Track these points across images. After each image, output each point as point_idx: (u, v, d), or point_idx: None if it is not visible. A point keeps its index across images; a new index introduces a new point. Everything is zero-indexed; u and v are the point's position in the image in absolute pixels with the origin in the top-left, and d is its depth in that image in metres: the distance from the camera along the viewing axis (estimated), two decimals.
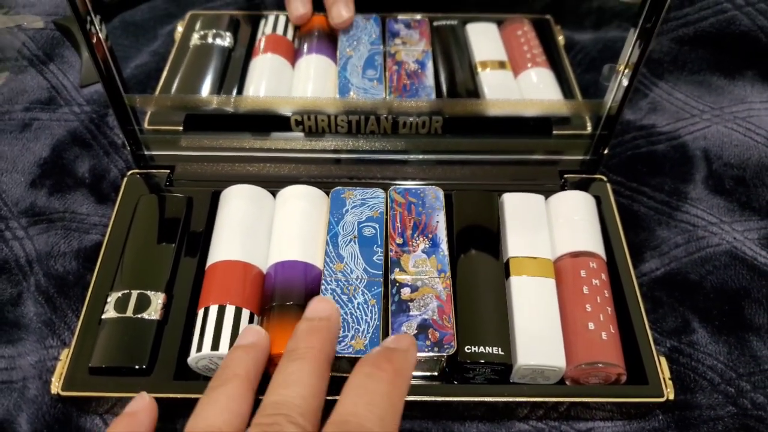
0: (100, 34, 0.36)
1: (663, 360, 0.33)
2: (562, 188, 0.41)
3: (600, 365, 0.32)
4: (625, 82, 0.37)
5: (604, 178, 0.42)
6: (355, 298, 0.33)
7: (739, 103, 0.48)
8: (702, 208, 0.42)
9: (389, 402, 0.24)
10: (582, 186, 0.41)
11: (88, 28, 0.35)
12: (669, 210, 0.43)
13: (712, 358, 0.36)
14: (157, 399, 0.32)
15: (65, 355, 0.33)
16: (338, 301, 0.33)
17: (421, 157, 0.43)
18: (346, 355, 0.31)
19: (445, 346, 0.32)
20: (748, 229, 0.41)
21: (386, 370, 0.25)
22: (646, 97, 0.49)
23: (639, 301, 0.36)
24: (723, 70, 0.50)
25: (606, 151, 0.41)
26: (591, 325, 0.34)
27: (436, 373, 0.33)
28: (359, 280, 0.34)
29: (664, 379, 0.33)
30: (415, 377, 0.33)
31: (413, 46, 0.47)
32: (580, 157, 0.43)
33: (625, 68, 0.37)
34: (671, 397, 0.32)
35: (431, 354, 0.32)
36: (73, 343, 0.33)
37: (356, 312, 0.33)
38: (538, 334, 0.33)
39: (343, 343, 0.32)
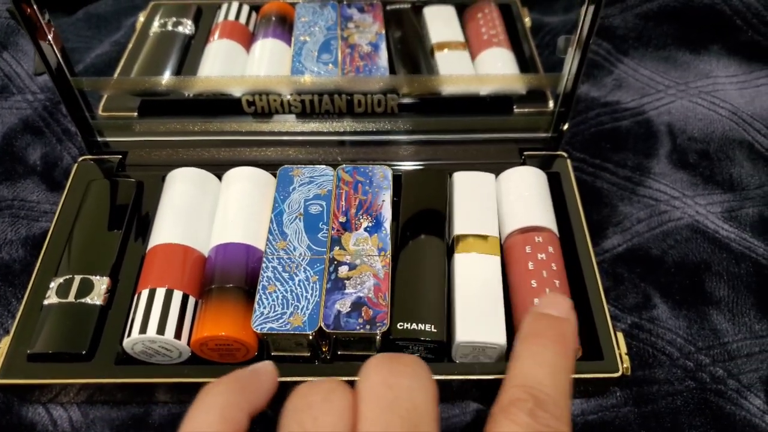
0: (42, 21, 0.35)
1: (620, 335, 0.33)
2: (522, 166, 0.40)
3: None
4: (579, 53, 0.36)
5: (565, 155, 0.41)
6: (297, 276, 0.33)
7: (704, 78, 0.47)
8: (665, 182, 0.42)
9: (567, 375, 0.23)
10: (542, 163, 0.40)
11: (29, 14, 0.34)
12: (632, 185, 0.42)
13: (672, 332, 0.35)
14: (97, 385, 0.32)
15: (5, 342, 0.32)
16: (278, 278, 0.32)
17: (378, 138, 0.42)
18: (284, 332, 0.31)
19: (378, 324, 0.31)
20: (711, 202, 0.40)
21: (560, 343, 0.24)
22: (611, 74, 0.48)
23: (596, 278, 0.35)
24: (688, 45, 0.49)
25: (566, 128, 0.40)
26: (536, 301, 0.33)
27: (372, 353, 0.32)
28: (302, 258, 0.33)
29: (620, 354, 0.32)
30: (352, 357, 0.32)
31: (366, 29, 0.46)
32: (542, 135, 0.42)
33: (578, 38, 0.36)
34: (627, 372, 0.31)
35: (363, 332, 0.31)
36: (13, 330, 0.33)
37: (297, 289, 0.32)
38: (479, 312, 0.32)
39: (281, 320, 0.31)
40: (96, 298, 0.33)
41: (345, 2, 0.48)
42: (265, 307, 0.31)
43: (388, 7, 0.49)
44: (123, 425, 0.32)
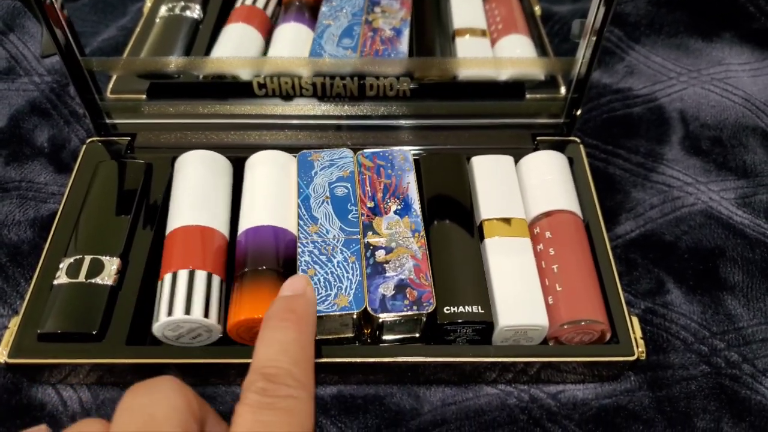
0: (54, 1, 0.35)
1: (635, 319, 0.32)
2: (535, 151, 0.40)
3: (583, 323, 0.31)
4: (594, 38, 0.36)
5: (578, 140, 0.40)
6: (334, 257, 0.32)
7: (716, 65, 0.47)
8: (678, 168, 0.41)
9: (299, 346, 0.25)
10: (555, 148, 0.40)
11: None
12: (644, 171, 0.41)
13: (686, 317, 0.35)
14: (108, 364, 0.31)
15: (14, 322, 0.32)
16: (317, 262, 0.32)
17: (389, 122, 0.42)
18: (331, 313, 0.30)
19: (424, 304, 0.31)
20: (724, 188, 0.40)
21: (289, 319, 0.26)
22: (622, 61, 0.48)
23: (611, 263, 0.35)
24: (700, 32, 0.49)
25: (579, 113, 0.40)
26: (568, 284, 0.32)
27: (417, 335, 0.32)
28: (336, 240, 0.33)
29: (635, 338, 0.32)
30: (396, 341, 0.32)
31: (392, 15, 0.46)
32: (554, 121, 0.42)
33: (593, 23, 0.36)
34: (642, 356, 0.31)
35: (411, 313, 0.31)
36: (23, 310, 0.32)
37: (337, 270, 0.32)
38: (518, 295, 0.32)
39: (327, 302, 0.31)
40: (106, 278, 0.33)
41: None
42: None
43: None
44: None
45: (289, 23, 0.45)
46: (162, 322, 0.31)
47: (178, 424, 0.21)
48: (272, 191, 0.36)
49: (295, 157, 0.38)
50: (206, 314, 0.31)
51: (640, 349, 0.31)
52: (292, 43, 0.44)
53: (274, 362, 0.24)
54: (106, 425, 0.22)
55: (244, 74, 0.41)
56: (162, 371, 0.32)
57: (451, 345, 0.33)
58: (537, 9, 0.50)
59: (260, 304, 0.31)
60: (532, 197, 0.36)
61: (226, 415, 0.31)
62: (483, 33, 0.46)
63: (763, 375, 0.33)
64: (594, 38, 0.36)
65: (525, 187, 0.37)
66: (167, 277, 0.32)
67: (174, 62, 0.41)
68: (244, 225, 0.35)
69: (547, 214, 0.35)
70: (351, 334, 0.32)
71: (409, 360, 0.31)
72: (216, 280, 0.32)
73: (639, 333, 0.32)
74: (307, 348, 0.25)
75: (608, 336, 0.32)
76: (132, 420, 0.21)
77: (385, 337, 0.32)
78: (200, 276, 0.32)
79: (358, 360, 0.31)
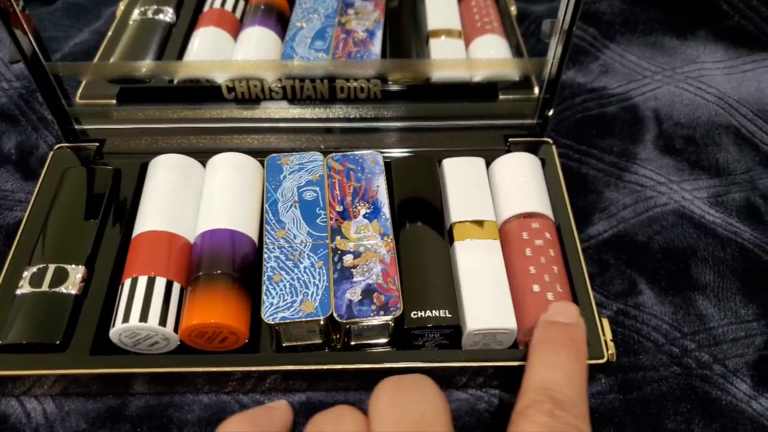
0: (15, 7, 0.35)
1: (605, 322, 0.32)
2: (508, 153, 0.40)
3: None
4: (564, 37, 0.36)
5: (550, 141, 0.40)
6: (301, 263, 0.32)
7: (690, 63, 0.47)
8: (651, 168, 0.41)
9: (582, 379, 0.24)
10: (528, 150, 0.40)
11: (2, 1, 0.33)
12: (618, 171, 0.41)
13: (657, 318, 0.35)
14: (72, 375, 0.31)
15: None
16: (283, 267, 0.32)
17: (361, 125, 0.42)
18: (297, 320, 0.30)
19: (391, 309, 0.30)
20: (696, 188, 0.40)
21: (571, 347, 0.25)
22: (597, 60, 0.48)
23: (582, 264, 0.34)
24: (675, 30, 0.48)
25: (551, 113, 0.40)
26: (536, 287, 0.32)
27: (385, 340, 0.32)
28: (304, 245, 0.33)
29: (605, 340, 0.32)
30: (365, 346, 0.32)
31: (365, 16, 0.45)
32: (527, 122, 0.42)
33: (563, 22, 0.35)
34: (613, 359, 0.31)
35: (378, 318, 0.30)
36: None
37: (303, 276, 0.32)
38: (487, 298, 0.32)
39: (292, 309, 0.30)
40: (71, 287, 0.32)
41: None
42: (273, 297, 0.31)
43: None
44: (99, 417, 0.31)
45: (255, 27, 0.45)
46: (117, 329, 0.30)
47: (446, 427, 0.20)
48: (231, 194, 0.35)
49: (260, 160, 0.37)
50: (163, 322, 0.30)
51: (610, 352, 0.31)
52: (258, 47, 0.44)
53: (561, 388, 0.23)
54: (362, 416, 0.21)
55: (216, 77, 0.41)
56: (127, 381, 0.32)
57: (421, 350, 0.32)
58: (513, 9, 0.50)
59: (213, 308, 0.30)
60: (505, 199, 0.36)
61: (194, 424, 0.31)
62: (459, 34, 0.46)
63: (733, 375, 0.33)
64: (564, 36, 0.36)
65: (496, 190, 0.37)
66: (127, 282, 0.32)
67: (143, 66, 0.41)
68: (201, 228, 0.34)
69: (517, 217, 0.35)
70: (319, 341, 0.32)
71: (378, 366, 0.31)
72: (176, 287, 0.32)
73: (609, 335, 0.32)
74: (585, 382, 0.24)
75: None
76: (404, 417, 0.20)
77: (354, 343, 0.32)
78: (160, 283, 0.31)
79: (326, 367, 0.31)
